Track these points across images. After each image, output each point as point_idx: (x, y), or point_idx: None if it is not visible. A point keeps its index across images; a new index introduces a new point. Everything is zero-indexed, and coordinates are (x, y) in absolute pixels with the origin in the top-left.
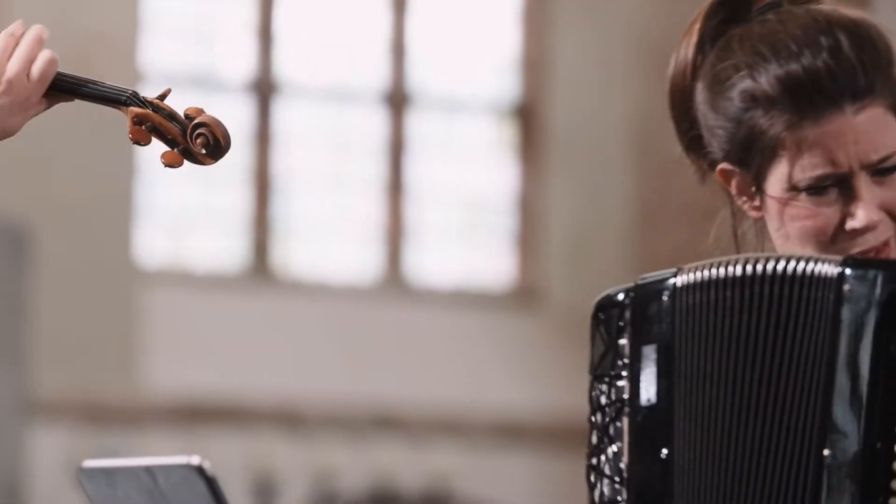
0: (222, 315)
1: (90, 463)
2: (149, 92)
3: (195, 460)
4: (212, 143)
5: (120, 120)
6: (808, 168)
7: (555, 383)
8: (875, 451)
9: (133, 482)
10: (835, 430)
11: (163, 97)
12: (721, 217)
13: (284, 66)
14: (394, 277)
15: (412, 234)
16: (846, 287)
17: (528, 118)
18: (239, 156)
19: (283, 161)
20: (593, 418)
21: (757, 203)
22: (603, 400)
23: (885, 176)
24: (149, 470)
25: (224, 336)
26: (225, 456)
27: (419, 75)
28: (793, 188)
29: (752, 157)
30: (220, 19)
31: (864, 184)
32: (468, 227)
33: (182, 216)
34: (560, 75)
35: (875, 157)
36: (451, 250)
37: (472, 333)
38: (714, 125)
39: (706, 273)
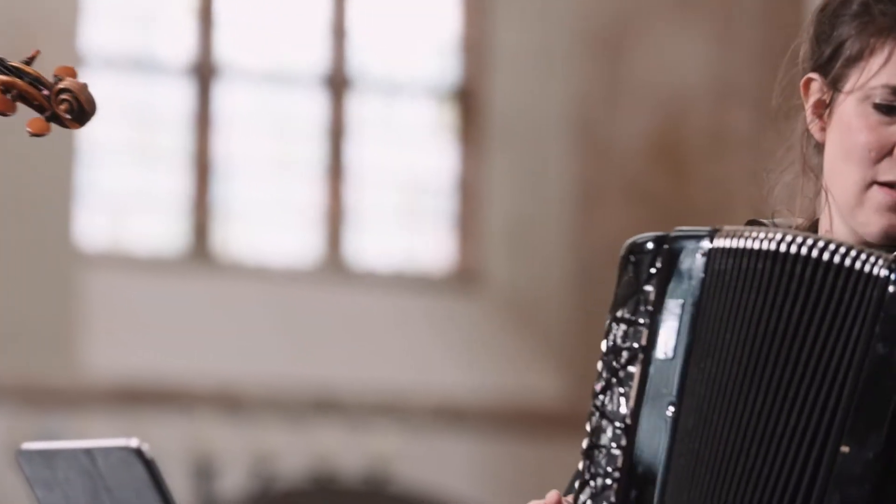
0: (162, 298)
1: (29, 445)
2: (88, 76)
3: (134, 443)
4: (76, 108)
5: None
6: (888, 76)
7: (495, 366)
8: (893, 459)
9: (72, 464)
10: (857, 430)
11: (29, 61)
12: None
13: (225, 49)
14: (334, 260)
15: (352, 217)
16: (892, 289)
17: (468, 101)
18: (179, 138)
19: (223, 144)
20: (606, 357)
21: (824, 123)
22: (619, 341)
23: None
24: (88, 452)
25: (164, 319)
26: (164, 438)
27: (359, 58)
28: (866, 98)
29: (836, 61)
30: (161, 2)
31: None
32: (409, 210)
33: (122, 199)
34: (501, 58)
35: None
36: (392, 233)
37: (412, 316)
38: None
39: (744, 240)
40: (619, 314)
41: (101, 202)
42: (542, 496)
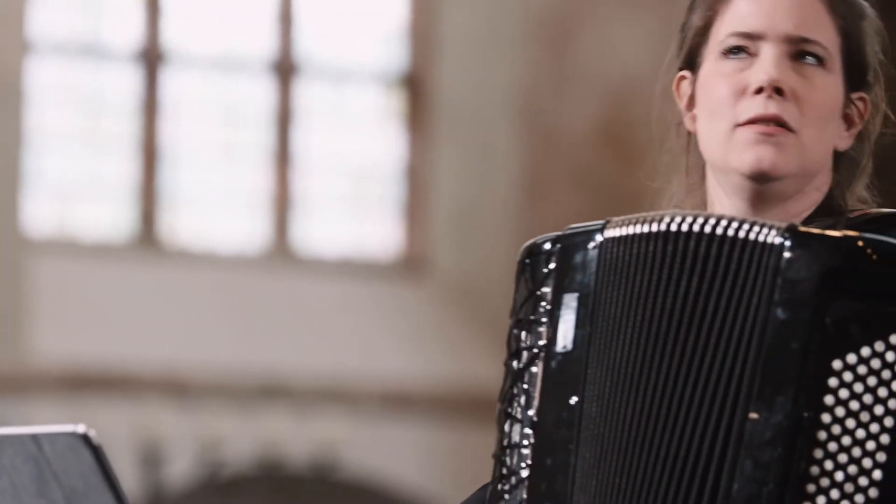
0: (109, 284)
1: None
2: (35, 63)
3: (81, 428)
4: None
5: (14, 91)
6: (731, 24)
7: (442, 352)
8: (802, 420)
9: (18, 450)
10: (764, 395)
11: None
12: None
13: (172, 35)
14: (281, 247)
15: (300, 204)
16: (787, 255)
17: (415, 88)
18: (127, 125)
19: (170, 130)
20: (509, 363)
21: (694, 112)
22: (520, 345)
23: (800, 61)
24: (34, 438)
25: (111, 305)
26: (111, 424)
27: (307, 45)
28: (718, 55)
29: (693, 49)
30: None
31: (775, 52)
32: (356, 197)
33: (70, 185)
34: (448, 45)
35: (796, 31)
36: (339, 220)
37: (359, 303)
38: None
39: (634, 226)
40: (518, 317)
41: (48, 188)
42: (486, 481)
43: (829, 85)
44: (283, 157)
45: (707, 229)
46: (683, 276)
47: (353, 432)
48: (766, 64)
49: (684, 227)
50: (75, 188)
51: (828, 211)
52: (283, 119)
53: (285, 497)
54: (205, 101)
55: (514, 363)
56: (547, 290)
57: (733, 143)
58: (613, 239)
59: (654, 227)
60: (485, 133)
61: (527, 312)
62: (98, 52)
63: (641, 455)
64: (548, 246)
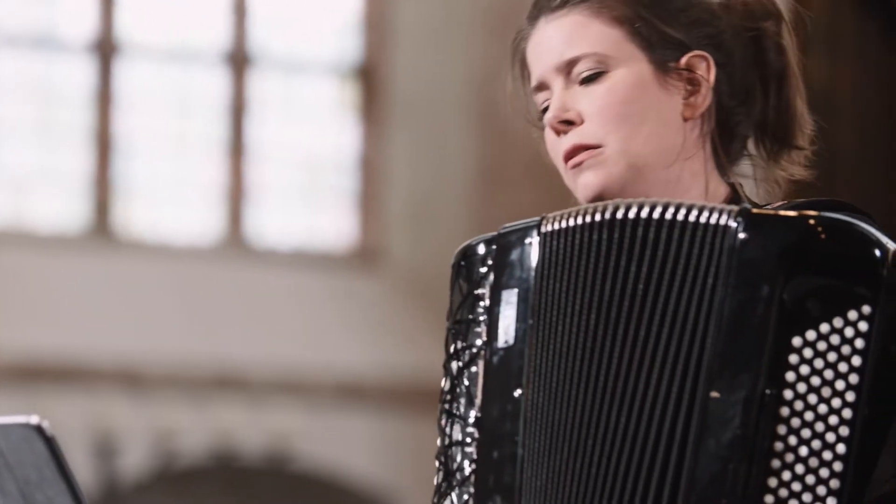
0: (64, 275)
1: None
2: None
3: (35, 420)
4: None
5: None
6: (531, 89)
7: (396, 344)
8: (764, 397)
9: None
10: (724, 374)
11: None
12: None
13: (126, 26)
14: (235, 238)
15: (254, 195)
16: (742, 236)
17: (369, 79)
18: (80, 116)
19: (124, 121)
20: (448, 364)
21: None
22: (459, 345)
23: (588, 84)
24: None
25: (65, 296)
26: (65, 416)
27: (261, 36)
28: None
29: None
30: None
31: (557, 86)
32: (310, 188)
33: (24, 176)
34: (402, 36)
35: (561, 58)
36: (293, 211)
37: (313, 294)
38: None
39: (574, 218)
40: (456, 319)
41: (2, 180)
42: None
43: (617, 83)
44: (237, 148)
45: (656, 215)
46: (632, 262)
47: (307, 423)
48: (552, 104)
49: (631, 215)
50: (29, 179)
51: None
52: (238, 110)
53: (239, 488)
54: (159, 92)
55: (454, 364)
56: (484, 290)
57: (570, 181)
58: (552, 233)
59: (597, 217)
60: (439, 124)
61: (464, 314)
62: (52, 43)
63: (597, 439)
64: (482, 247)
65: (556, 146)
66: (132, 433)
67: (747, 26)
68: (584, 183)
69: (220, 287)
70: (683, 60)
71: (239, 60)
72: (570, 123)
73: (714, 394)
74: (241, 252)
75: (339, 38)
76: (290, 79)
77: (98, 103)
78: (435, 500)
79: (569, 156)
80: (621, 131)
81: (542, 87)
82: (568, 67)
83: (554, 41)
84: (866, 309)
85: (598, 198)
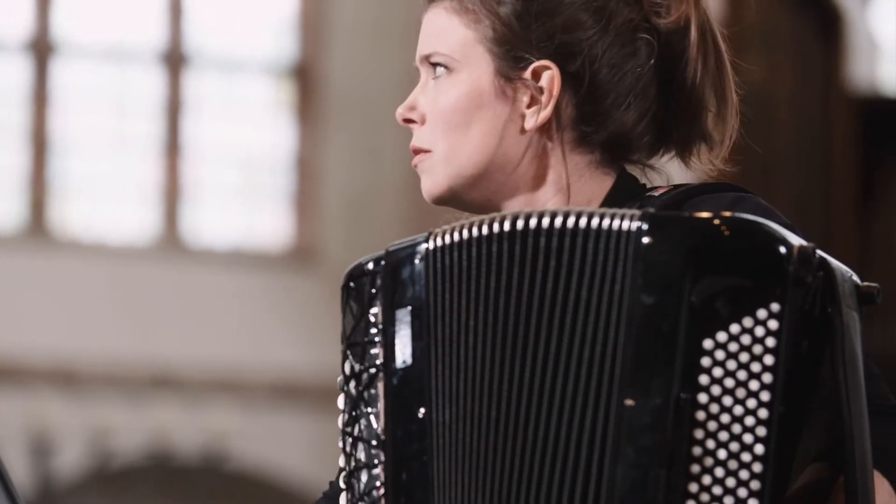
0: None
1: None
2: None
3: None
4: None
5: None
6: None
7: (332, 343)
8: (679, 401)
9: None
10: (638, 381)
11: None
12: None
13: (62, 25)
14: (171, 237)
15: (190, 194)
16: (646, 240)
17: (305, 78)
18: (16, 115)
19: (60, 121)
20: (346, 387)
21: None
22: (356, 368)
23: (434, 76)
24: None
25: (1, 295)
26: (0, 415)
27: (197, 35)
28: None
29: None
30: None
31: (422, 80)
32: (246, 188)
33: None
34: (338, 36)
35: (422, 51)
36: (229, 210)
37: (249, 293)
38: None
39: (463, 232)
40: (350, 341)
41: None
42: None
43: (454, 86)
44: (173, 147)
45: (557, 224)
46: (533, 272)
47: (243, 423)
48: (407, 99)
49: (531, 225)
50: None
51: (626, 194)
52: (174, 109)
53: (175, 488)
54: (95, 91)
55: (352, 386)
56: (376, 310)
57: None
58: (442, 247)
59: (494, 229)
60: (375, 124)
61: (358, 336)
62: None
63: (512, 453)
64: (371, 266)
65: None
66: (68, 432)
67: (629, 31)
68: (422, 186)
69: (157, 286)
70: (529, 70)
71: (175, 60)
72: (412, 122)
73: (629, 401)
74: (177, 251)
75: (275, 38)
76: (227, 78)
77: (34, 102)
78: None
79: (413, 152)
80: (448, 139)
81: (418, 69)
82: (427, 61)
83: (425, 32)
84: (775, 307)
85: (437, 202)
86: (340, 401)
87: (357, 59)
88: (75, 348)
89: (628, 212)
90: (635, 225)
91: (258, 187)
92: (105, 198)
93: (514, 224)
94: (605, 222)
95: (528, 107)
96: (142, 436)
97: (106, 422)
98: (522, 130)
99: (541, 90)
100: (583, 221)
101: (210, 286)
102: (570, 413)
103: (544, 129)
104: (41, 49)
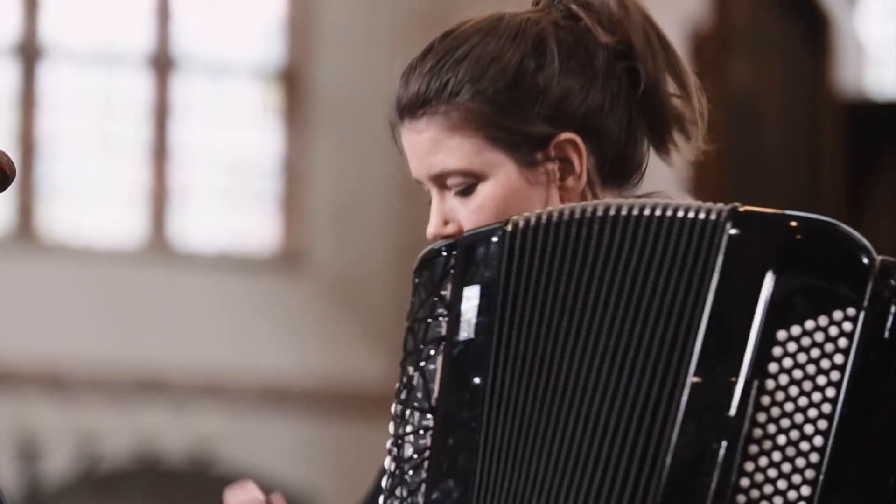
0: None
1: None
2: None
3: None
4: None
5: None
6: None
7: (319, 347)
8: (746, 384)
9: None
10: (706, 362)
11: None
12: None
13: (49, 28)
14: (158, 241)
15: (177, 198)
16: (732, 232)
17: (293, 82)
18: (3, 119)
19: (47, 124)
20: (404, 363)
21: None
22: (417, 343)
23: (461, 196)
24: None
25: None
26: None
27: (184, 39)
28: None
29: None
30: None
31: (434, 194)
32: (233, 191)
33: None
34: (326, 39)
35: (430, 171)
36: (217, 214)
37: (236, 297)
38: None
39: (543, 217)
40: (417, 317)
41: None
42: (365, 476)
43: (486, 197)
44: (160, 151)
45: (645, 213)
46: (614, 255)
47: (230, 427)
48: (432, 216)
49: (611, 213)
50: None
51: None
52: (161, 113)
53: (163, 492)
54: (82, 94)
55: (411, 360)
56: (446, 291)
57: None
58: (520, 230)
59: (575, 215)
60: (362, 127)
61: (424, 313)
62: None
63: (566, 422)
64: (445, 250)
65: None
66: (55, 436)
67: (608, 65)
68: None
69: (144, 290)
70: (550, 149)
71: (162, 63)
72: (449, 235)
73: (695, 378)
74: (164, 255)
75: (263, 42)
76: (214, 82)
77: (21, 106)
78: (387, 486)
79: None
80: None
81: (420, 182)
82: (440, 180)
83: (420, 151)
84: (851, 311)
85: None
86: (399, 372)
87: (345, 63)
88: (63, 352)
89: (714, 206)
90: (721, 218)
91: (245, 191)
92: (92, 201)
93: (594, 210)
94: (691, 214)
95: (563, 179)
96: (129, 439)
97: (93, 425)
98: (563, 201)
99: (567, 160)
100: (668, 212)
101: (197, 290)
102: (636, 387)
103: (580, 192)
104: (29, 52)
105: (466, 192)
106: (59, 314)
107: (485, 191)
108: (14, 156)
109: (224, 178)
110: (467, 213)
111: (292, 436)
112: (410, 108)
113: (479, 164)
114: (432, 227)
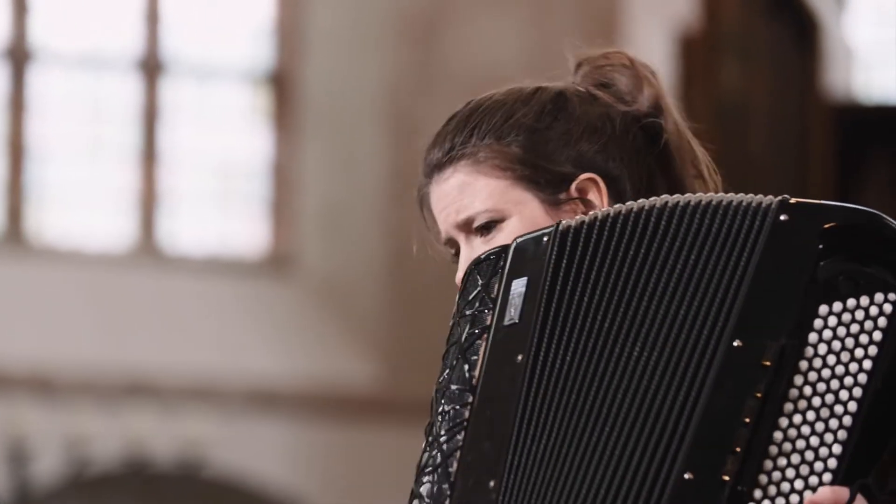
0: None
1: None
2: None
3: None
4: None
5: None
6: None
7: (308, 351)
8: (784, 348)
9: None
10: (748, 328)
11: None
12: None
13: (39, 32)
14: (147, 244)
15: (166, 201)
16: (782, 217)
17: (282, 85)
18: None
19: (37, 127)
20: (450, 349)
21: None
22: (464, 334)
23: (485, 236)
24: None
25: None
26: None
27: (173, 42)
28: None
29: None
30: None
31: (462, 242)
32: (222, 195)
33: None
34: (314, 42)
35: (457, 218)
36: (205, 217)
37: (225, 301)
38: None
39: (597, 215)
40: (464, 312)
41: None
42: (353, 480)
43: (514, 231)
44: (149, 154)
45: (692, 202)
46: (665, 239)
47: (219, 431)
48: (460, 263)
49: (660, 204)
50: None
51: None
52: (150, 116)
53: (152, 495)
54: (72, 98)
55: (454, 349)
56: (494, 288)
57: None
58: (570, 227)
59: (623, 210)
60: (351, 130)
61: (471, 308)
62: None
63: (608, 394)
64: (495, 254)
65: None
66: (44, 439)
67: (631, 124)
68: None
69: (133, 293)
70: (573, 188)
71: (151, 67)
72: None
73: (737, 342)
74: (153, 258)
75: (252, 45)
76: (203, 85)
77: (11, 109)
78: (422, 456)
79: None
80: None
81: (450, 242)
82: (466, 226)
83: (447, 201)
84: (893, 296)
85: None
86: (442, 361)
87: (333, 66)
88: (52, 355)
89: (766, 198)
90: (774, 205)
91: (234, 194)
92: (81, 205)
93: (644, 203)
94: (743, 202)
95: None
96: (118, 443)
97: (82, 429)
98: None
99: (588, 201)
100: (718, 200)
101: (186, 294)
102: (679, 352)
103: None
104: (18, 56)
105: (489, 230)
106: (48, 317)
107: (510, 227)
108: (3, 159)
109: (213, 181)
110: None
111: (281, 439)
112: (439, 164)
113: (505, 202)
114: (461, 273)
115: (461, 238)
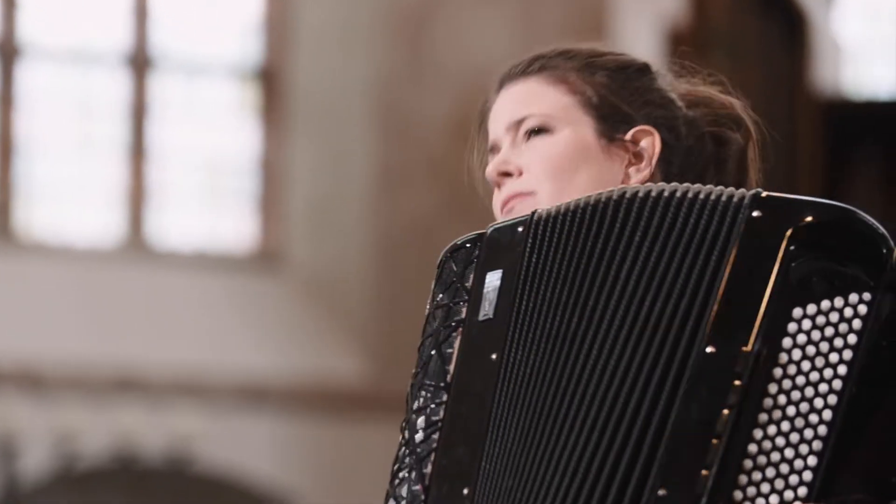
0: None
1: None
2: None
3: None
4: None
5: None
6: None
7: (297, 346)
8: (759, 355)
9: None
10: (722, 332)
11: None
12: None
13: (27, 28)
14: (136, 240)
15: (155, 197)
16: (754, 214)
17: (270, 81)
18: None
19: (25, 123)
20: (421, 347)
21: None
22: (438, 324)
23: (532, 139)
24: None
25: None
26: None
27: (162, 38)
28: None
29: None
30: None
31: (505, 144)
32: (211, 190)
33: None
34: (303, 38)
35: (512, 118)
36: (194, 213)
37: (214, 296)
38: None
39: (570, 205)
40: (437, 301)
41: None
42: (342, 475)
43: (559, 140)
44: (137, 150)
45: (666, 194)
46: (631, 236)
47: (208, 426)
48: (497, 157)
49: (637, 194)
50: None
51: None
52: (138, 112)
53: (140, 490)
54: (60, 94)
55: (429, 343)
56: (468, 279)
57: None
58: (543, 218)
59: (594, 200)
60: (340, 126)
61: (446, 300)
62: None
63: (579, 382)
64: (470, 242)
65: (497, 199)
66: (33, 435)
67: (708, 124)
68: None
69: (122, 289)
70: (630, 133)
71: (140, 62)
72: (507, 175)
73: (710, 348)
74: (142, 254)
75: (240, 41)
76: (191, 81)
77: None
78: (397, 457)
79: (504, 204)
80: (555, 183)
81: (495, 148)
82: (517, 126)
83: (510, 103)
84: (867, 295)
85: None
86: (418, 353)
87: (322, 62)
88: (40, 350)
89: (737, 191)
90: (746, 200)
91: (223, 190)
92: (70, 201)
93: (613, 194)
94: (713, 196)
95: (629, 166)
96: (107, 438)
97: (71, 424)
98: (628, 179)
99: (638, 152)
100: (690, 194)
101: (175, 289)
102: (652, 358)
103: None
104: (6, 52)
105: (537, 133)
106: (36, 313)
107: (560, 136)
108: None
109: (201, 177)
110: (536, 159)
111: (270, 434)
112: (517, 73)
113: (564, 116)
114: (492, 166)
115: (506, 141)
